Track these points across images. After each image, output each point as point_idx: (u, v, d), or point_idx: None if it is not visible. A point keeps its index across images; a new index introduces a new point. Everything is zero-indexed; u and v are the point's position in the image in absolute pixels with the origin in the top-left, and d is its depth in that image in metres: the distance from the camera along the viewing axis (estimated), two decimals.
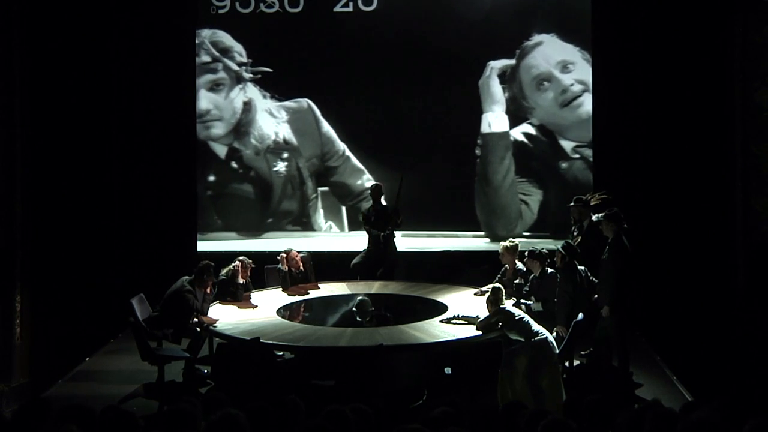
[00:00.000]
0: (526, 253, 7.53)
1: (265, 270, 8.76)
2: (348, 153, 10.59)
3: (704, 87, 9.57)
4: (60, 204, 9.34)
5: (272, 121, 10.63)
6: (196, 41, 10.57)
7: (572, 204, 8.40)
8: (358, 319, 7.39)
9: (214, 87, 10.59)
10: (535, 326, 6.37)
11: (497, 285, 6.82)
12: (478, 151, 10.59)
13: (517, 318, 6.38)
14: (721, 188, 9.37)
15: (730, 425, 3.64)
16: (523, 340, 6.32)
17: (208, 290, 7.36)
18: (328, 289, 8.44)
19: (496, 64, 10.52)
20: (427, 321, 7.05)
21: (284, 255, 8.43)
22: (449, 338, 6.54)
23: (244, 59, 10.57)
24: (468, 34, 10.46)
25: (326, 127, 10.60)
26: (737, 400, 4.02)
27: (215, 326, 6.94)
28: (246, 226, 10.69)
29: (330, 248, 10.14)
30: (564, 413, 4.31)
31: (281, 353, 7.27)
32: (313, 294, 8.26)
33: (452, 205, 10.61)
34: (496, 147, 10.54)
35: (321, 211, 10.67)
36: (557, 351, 6.43)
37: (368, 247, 9.22)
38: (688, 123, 9.73)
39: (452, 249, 10.45)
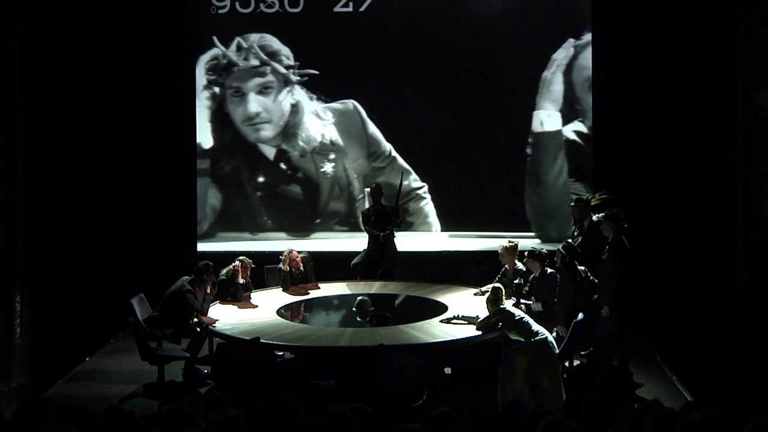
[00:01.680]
0: (525, 253, 7.53)
1: (265, 270, 8.75)
2: (394, 153, 10.59)
3: (704, 87, 9.58)
4: (60, 204, 9.34)
5: (319, 122, 10.66)
6: (245, 45, 10.61)
7: (572, 204, 8.41)
8: (358, 319, 7.39)
9: (262, 90, 10.64)
10: (535, 326, 6.37)
11: (497, 285, 6.82)
12: (528, 150, 10.48)
13: (517, 318, 6.38)
14: (721, 188, 9.37)
15: (730, 425, 3.64)
16: (523, 340, 6.32)
17: (208, 290, 7.36)
18: (328, 289, 8.43)
19: (562, 60, 10.39)
20: (427, 321, 7.04)
21: (286, 255, 8.42)
22: (449, 338, 6.53)
23: (291, 62, 10.60)
24: (517, 29, 10.40)
25: (372, 128, 10.61)
26: (737, 400, 4.02)
27: (215, 326, 6.94)
28: (295, 226, 10.69)
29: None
30: (564, 413, 4.31)
31: (281, 353, 7.27)
32: (313, 294, 8.25)
33: (500, 205, 10.50)
34: (549, 146, 10.42)
35: None
36: (557, 351, 6.43)
37: (368, 247, 9.22)
38: (689, 123, 9.73)
39: (452, 249, 10.45)
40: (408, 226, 10.43)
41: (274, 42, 10.63)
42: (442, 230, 10.54)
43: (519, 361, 6.31)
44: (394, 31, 10.56)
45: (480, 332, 6.54)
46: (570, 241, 7.62)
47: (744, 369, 8.07)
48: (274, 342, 6.50)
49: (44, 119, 9.04)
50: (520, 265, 7.73)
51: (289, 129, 10.66)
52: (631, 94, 10.05)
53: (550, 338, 6.40)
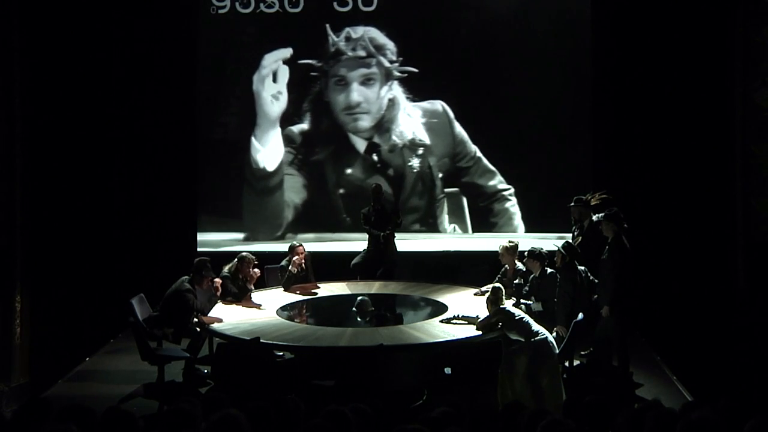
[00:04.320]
0: (526, 253, 7.52)
1: (265, 270, 8.74)
2: (479, 154, 10.58)
3: (704, 87, 9.57)
4: (60, 204, 9.34)
5: (410, 119, 10.69)
6: (353, 36, 10.66)
7: (572, 204, 8.40)
8: (358, 319, 7.38)
9: (365, 81, 10.71)
10: (535, 326, 6.37)
11: (497, 285, 6.81)
12: None
13: (517, 318, 6.38)
14: (721, 188, 9.37)
15: (730, 425, 3.64)
16: (523, 340, 6.32)
17: (218, 292, 7.38)
18: (328, 289, 8.43)
19: None
20: (427, 321, 7.05)
21: (296, 259, 8.39)
22: (449, 338, 6.53)
23: (395, 57, 10.64)
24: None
25: (458, 129, 10.63)
26: (737, 400, 4.02)
27: (214, 326, 6.93)
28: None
29: (456, 248, 10.28)
30: (564, 413, 4.31)
31: (281, 353, 7.26)
32: (313, 294, 8.24)
33: None
34: None
35: (446, 213, 10.65)
36: (557, 351, 6.43)
37: (368, 247, 9.21)
38: (689, 123, 9.73)
39: (452, 249, 10.45)
40: (491, 227, 10.47)
41: (379, 36, 10.69)
42: (525, 231, 10.47)
43: (519, 361, 6.30)
44: (484, 32, 10.54)
45: (480, 332, 6.54)
46: (570, 241, 7.62)
47: (744, 369, 8.07)
48: (274, 342, 6.50)
49: (44, 119, 9.05)
50: (520, 265, 7.73)
51: (384, 123, 10.71)
52: (631, 93, 10.04)
53: (550, 338, 6.40)
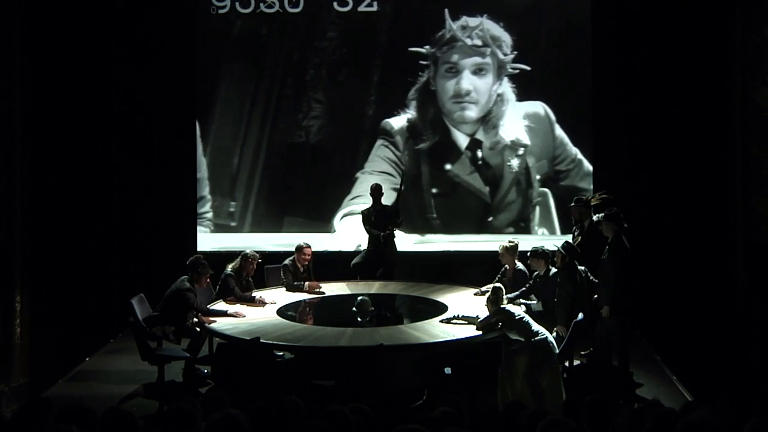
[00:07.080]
0: (528, 253, 7.51)
1: (265, 270, 8.74)
2: (580, 156, 10.44)
3: (704, 87, 9.57)
4: (60, 204, 9.34)
5: (514, 119, 10.54)
6: (470, 24, 10.51)
7: (573, 204, 8.41)
8: (358, 319, 7.38)
9: (477, 71, 10.55)
10: (535, 326, 6.37)
11: (497, 285, 6.81)
12: None
13: (517, 318, 6.38)
14: (721, 188, 9.37)
15: (730, 425, 3.64)
16: (523, 340, 6.32)
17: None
18: (328, 289, 8.43)
19: None
20: (427, 321, 7.04)
21: (312, 283, 8.35)
22: (449, 338, 6.53)
23: (509, 51, 10.52)
24: None
25: (558, 131, 10.49)
26: (737, 400, 4.02)
27: (214, 326, 6.93)
28: (465, 226, 10.46)
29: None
30: (564, 413, 4.32)
31: (281, 353, 7.27)
32: (313, 294, 8.24)
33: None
34: None
35: (537, 217, 10.52)
36: (557, 351, 6.43)
37: (368, 247, 9.21)
38: (689, 123, 9.73)
39: (452, 250, 10.45)
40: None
41: (494, 27, 10.54)
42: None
43: (519, 361, 6.30)
44: (587, 32, 10.42)
45: (480, 332, 6.54)
46: (570, 241, 7.62)
47: (744, 369, 8.08)
48: (274, 342, 6.50)
49: (44, 119, 9.05)
50: (520, 265, 7.73)
51: (491, 118, 10.53)
52: (631, 93, 10.05)
53: (550, 338, 6.40)
